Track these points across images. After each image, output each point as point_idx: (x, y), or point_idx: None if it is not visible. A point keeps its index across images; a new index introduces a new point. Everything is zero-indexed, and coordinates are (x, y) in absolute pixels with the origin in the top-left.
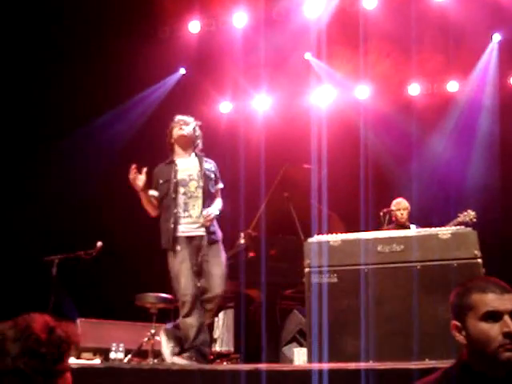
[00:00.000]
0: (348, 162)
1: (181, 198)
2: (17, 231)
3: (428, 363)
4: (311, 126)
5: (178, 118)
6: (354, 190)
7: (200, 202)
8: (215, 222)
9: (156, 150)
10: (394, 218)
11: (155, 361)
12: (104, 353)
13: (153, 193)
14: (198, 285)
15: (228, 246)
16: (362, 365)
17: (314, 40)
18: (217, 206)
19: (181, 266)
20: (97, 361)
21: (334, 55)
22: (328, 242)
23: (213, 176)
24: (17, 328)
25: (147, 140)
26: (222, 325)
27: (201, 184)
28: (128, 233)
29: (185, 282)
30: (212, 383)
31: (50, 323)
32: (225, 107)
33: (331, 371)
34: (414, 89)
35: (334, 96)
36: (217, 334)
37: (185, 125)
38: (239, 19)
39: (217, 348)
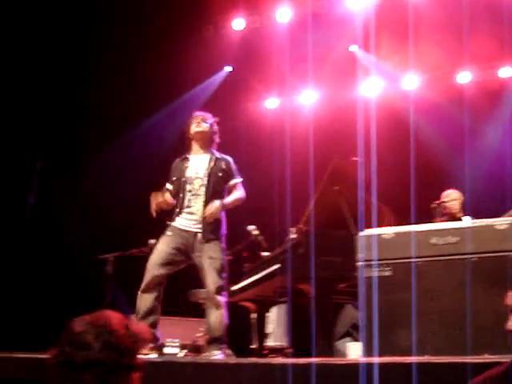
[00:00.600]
0: (398, 153)
1: (186, 196)
2: (72, 230)
3: (486, 358)
4: (359, 119)
5: (197, 114)
6: (405, 183)
7: (201, 199)
8: (221, 219)
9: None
10: (446, 210)
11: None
12: (159, 348)
13: (168, 186)
14: (163, 272)
15: (278, 241)
16: (418, 359)
17: (360, 31)
18: (228, 199)
19: (161, 244)
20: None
21: (381, 46)
22: (380, 235)
23: (221, 174)
24: (97, 323)
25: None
26: (275, 320)
27: (205, 182)
28: None
29: (153, 259)
30: (266, 377)
31: (125, 319)
32: (271, 103)
33: (386, 365)
34: (465, 76)
35: (381, 87)
36: (269, 329)
37: (202, 121)
38: (283, 14)
39: (270, 343)
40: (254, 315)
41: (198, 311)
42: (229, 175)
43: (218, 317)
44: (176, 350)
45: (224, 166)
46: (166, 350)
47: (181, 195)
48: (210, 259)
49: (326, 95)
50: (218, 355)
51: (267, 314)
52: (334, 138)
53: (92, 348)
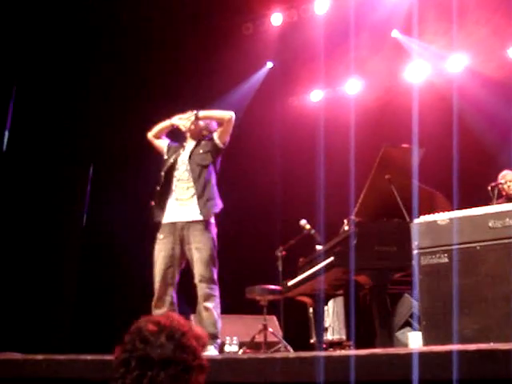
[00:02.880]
0: (447, 138)
1: (174, 183)
2: (124, 233)
3: None
4: (405, 105)
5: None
6: (457, 167)
7: (187, 185)
8: (209, 209)
9: (249, 145)
10: (503, 192)
11: (269, 352)
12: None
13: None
14: (170, 278)
15: (332, 233)
16: (482, 346)
17: (402, 16)
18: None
19: (159, 254)
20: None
21: (424, 28)
22: (435, 221)
23: (201, 151)
24: (167, 325)
25: (241, 135)
26: (332, 313)
27: (189, 168)
28: (233, 227)
29: (156, 272)
30: (331, 370)
31: (188, 322)
32: (315, 95)
33: (448, 354)
34: None
35: (427, 71)
36: (327, 322)
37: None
38: (320, 5)
39: (328, 337)
40: (311, 310)
41: (255, 308)
42: (211, 150)
43: (208, 311)
44: (235, 348)
45: (206, 145)
46: (226, 348)
47: (168, 179)
48: (197, 249)
49: (371, 83)
50: (209, 350)
51: (325, 308)
52: (381, 125)
53: (166, 347)
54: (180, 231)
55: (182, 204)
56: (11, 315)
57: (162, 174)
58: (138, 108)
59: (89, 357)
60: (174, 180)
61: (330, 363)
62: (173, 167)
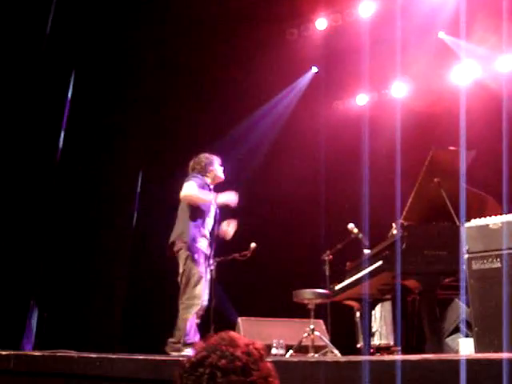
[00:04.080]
0: (497, 139)
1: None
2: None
3: None
4: (453, 107)
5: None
6: (507, 170)
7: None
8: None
9: (295, 150)
10: None
11: (316, 355)
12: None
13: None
14: None
15: (378, 237)
16: None
17: (449, 17)
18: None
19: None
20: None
21: (473, 29)
22: (487, 225)
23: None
24: (225, 359)
25: (287, 140)
26: (380, 318)
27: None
28: (280, 231)
29: (200, 290)
30: (380, 374)
31: (248, 345)
32: (361, 99)
33: (501, 361)
34: None
35: (475, 72)
36: (374, 327)
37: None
38: (365, 9)
39: (375, 341)
40: (358, 314)
41: (302, 312)
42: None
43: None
44: (282, 351)
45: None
46: (273, 351)
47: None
48: None
49: (417, 86)
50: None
51: (372, 312)
52: (429, 128)
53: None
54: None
55: None
56: (66, 314)
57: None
58: (185, 116)
59: (140, 356)
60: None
61: (380, 367)
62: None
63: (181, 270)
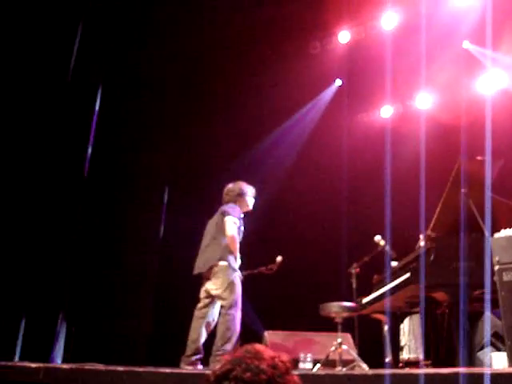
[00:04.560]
0: None
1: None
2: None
3: None
4: (479, 116)
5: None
6: None
7: None
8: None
9: (319, 162)
10: None
11: (344, 369)
12: (293, 364)
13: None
14: None
15: (403, 248)
16: None
17: (473, 26)
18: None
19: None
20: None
21: (499, 38)
22: None
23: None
24: (250, 372)
25: (311, 154)
26: (409, 331)
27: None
28: (304, 245)
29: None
30: None
31: (274, 358)
32: (385, 111)
33: None
34: None
35: (502, 82)
36: (403, 341)
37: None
38: (388, 21)
39: (404, 355)
40: (386, 327)
41: (329, 325)
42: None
43: None
44: (309, 365)
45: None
46: (300, 365)
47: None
48: None
49: (443, 97)
50: None
51: (400, 326)
52: (455, 139)
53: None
54: None
55: None
56: (93, 328)
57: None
58: (210, 129)
59: (167, 370)
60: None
61: (408, 381)
62: None
63: (224, 286)
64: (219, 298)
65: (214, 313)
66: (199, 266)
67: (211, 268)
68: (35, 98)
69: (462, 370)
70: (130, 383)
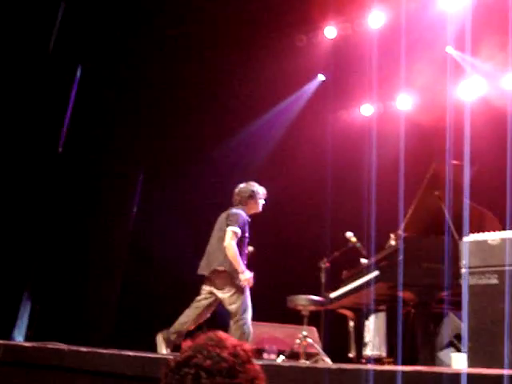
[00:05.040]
0: (501, 157)
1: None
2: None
3: None
4: (458, 122)
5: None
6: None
7: None
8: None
9: (299, 155)
10: None
11: (307, 362)
12: (257, 354)
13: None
14: None
15: (379, 247)
16: None
17: (457, 32)
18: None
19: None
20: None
21: (480, 45)
22: (486, 240)
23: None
24: (211, 359)
25: (290, 147)
26: (373, 328)
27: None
28: (275, 237)
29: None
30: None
31: (236, 346)
32: (366, 110)
33: (492, 377)
34: None
35: (482, 89)
36: (367, 337)
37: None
38: (375, 20)
39: (367, 352)
40: (352, 323)
41: (295, 318)
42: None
43: None
44: (274, 356)
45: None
46: (265, 356)
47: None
48: None
49: (423, 99)
50: None
51: (366, 323)
52: (432, 142)
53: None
54: None
55: None
56: (59, 307)
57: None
58: (189, 117)
59: (131, 353)
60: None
61: (371, 377)
62: None
63: (232, 291)
64: (227, 302)
65: (210, 309)
66: (202, 267)
67: (214, 272)
68: (13, 67)
69: (422, 368)
70: (92, 364)
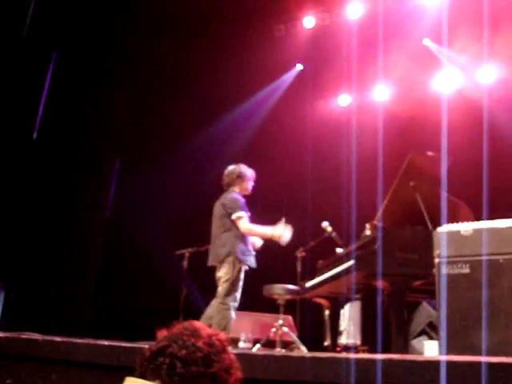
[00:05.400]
0: (476, 148)
1: None
2: (149, 226)
3: None
4: (434, 113)
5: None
6: (481, 178)
7: None
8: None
9: (277, 144)
10: None
11: (283, 351)
12: (233, 343)
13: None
14: None
15: (354, 237)
16: (505, 359)
17: (434, 24)
18: None
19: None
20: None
21: (455, 37)
22: (459, 231)
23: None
24: (186, 349)
25: (268, 136)
26: (349, 317)
27: None
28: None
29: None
30: (346, 372)
31: (211, 336)
32: (343, 100)
33: (464, 364)
34: None
35: (457, 81)
36: (342, 326)
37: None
38: (353, 11)
39: (342, 340)
40: (327, 312)
41: (271, 307)
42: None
43: None
44: (249, 345)
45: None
46: (240, 345)
47: None
48: None
49: (399, 91)
50: None
51: (341, 311)
52: (408, 133)
53: (179, 374)
54: None
55: None
56: (34, 297)
57: None
58: (165, 106)
59: (106, 342)
60: None
61: (346, 365)
62: None
63: (228, 276)
64: (220, 281)
65: None
66: (211, 259)
67: (221, 262)
68: None
69: (395, 356)
70: (66, 354)
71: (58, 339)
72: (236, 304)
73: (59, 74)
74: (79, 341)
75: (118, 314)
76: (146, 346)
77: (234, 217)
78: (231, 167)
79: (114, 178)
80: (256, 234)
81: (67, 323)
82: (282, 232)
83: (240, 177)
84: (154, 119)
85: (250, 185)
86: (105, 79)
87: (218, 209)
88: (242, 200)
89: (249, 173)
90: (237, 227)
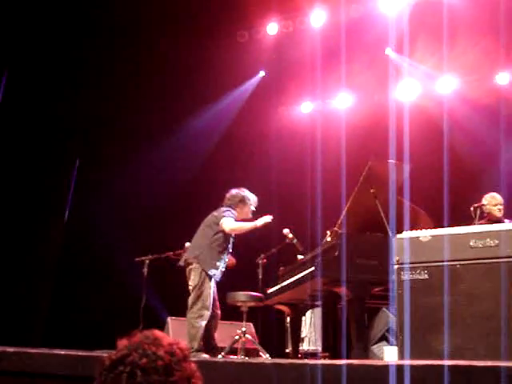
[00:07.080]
0: (433, 157)
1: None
2: (109, 231)
3: None
4: (394, 122)
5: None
6: (439, 186)
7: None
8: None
9: (240, 151)
10: (486, 214)
11: (246, 358)
12: (195, 351)
13: None
14: None
15: (315, 244)
16: (460, 362)
17: (394, 34)
18: None
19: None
20: None
21: (416, 48)
22: (417, 237)
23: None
24: (146, 358)
25: (230, 142)
26: (310, 324)
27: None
28: None
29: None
30: (302, 377)
31: (172, 345)
32: (306, 107)
33: (421, 368)
34: (504, 78)
35: (417, 90)
36: (304, 332)
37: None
38: (317, 18)
39: (304, 347)
40: (288, 319)
41: (231, 314)
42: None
43: None
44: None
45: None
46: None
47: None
48: None
49: (361, 99)
50: None
51: (302, 318)
52: (369, 141)
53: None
54: None
55: None
56: None
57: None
58: (128, 109)
59: (62, 352)
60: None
61: (305, 371)
62: None
63: (193, 284)
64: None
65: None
66: (185, 255)
67: (188, 264)
68: None
69: (354, 361)
70: (20, 366)
71: (11, 350)
72: (206, 312)
73: (17, 72)
74: (33, 351)
75: (76, 322)
76: (105, 355)
77: (221, 221)
78: (234, 191)
79: (73, 179)
80: (241, 230)
81: (21, 332)
82: (263, 219)
83: (242, 201)
84: (116, 120)
85: (251, 210)
86: (66, 78)
87: (209, 218)
88: (234, 218)
89: (251, 198)
90: (219, 243)
